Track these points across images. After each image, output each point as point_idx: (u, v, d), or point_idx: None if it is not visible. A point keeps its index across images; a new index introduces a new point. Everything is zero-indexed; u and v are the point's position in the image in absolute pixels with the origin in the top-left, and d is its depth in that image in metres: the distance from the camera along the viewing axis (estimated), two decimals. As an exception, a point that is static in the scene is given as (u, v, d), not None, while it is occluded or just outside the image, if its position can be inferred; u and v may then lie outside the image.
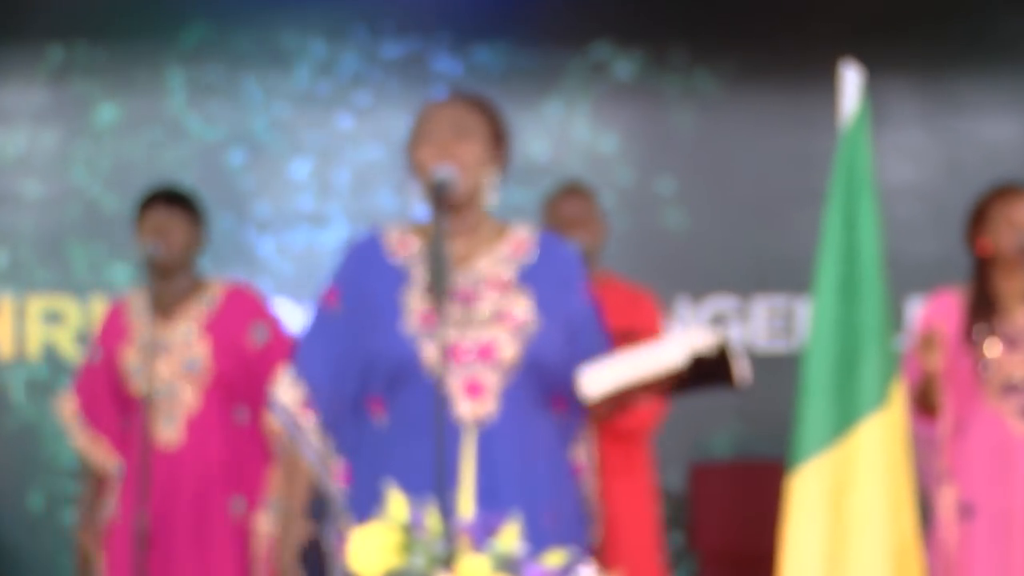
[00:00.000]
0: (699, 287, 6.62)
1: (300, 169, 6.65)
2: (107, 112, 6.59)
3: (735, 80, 6.69)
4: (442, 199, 3.22)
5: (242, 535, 4.76)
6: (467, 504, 2.78)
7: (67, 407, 4.83)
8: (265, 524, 4.72)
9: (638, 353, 3.18)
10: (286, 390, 3.37)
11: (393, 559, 2.69)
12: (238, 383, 4.75)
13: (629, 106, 6.70)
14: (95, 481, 4.84)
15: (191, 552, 4.68)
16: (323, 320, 3.38)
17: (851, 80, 3.45)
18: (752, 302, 6.69)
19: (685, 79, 6.71)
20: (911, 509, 3.40)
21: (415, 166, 3.32)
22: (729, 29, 6.68)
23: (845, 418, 3.40)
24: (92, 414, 4.83)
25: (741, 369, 3.18)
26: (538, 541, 3.02)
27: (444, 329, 3.12)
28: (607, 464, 4.12)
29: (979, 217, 4.76)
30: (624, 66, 6.71)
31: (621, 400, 3.27)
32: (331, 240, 6.61)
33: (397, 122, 6.53)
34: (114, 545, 4.71)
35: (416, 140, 3.34)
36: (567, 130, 6.68)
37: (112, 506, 4.75)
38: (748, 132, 6.70)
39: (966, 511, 4.62)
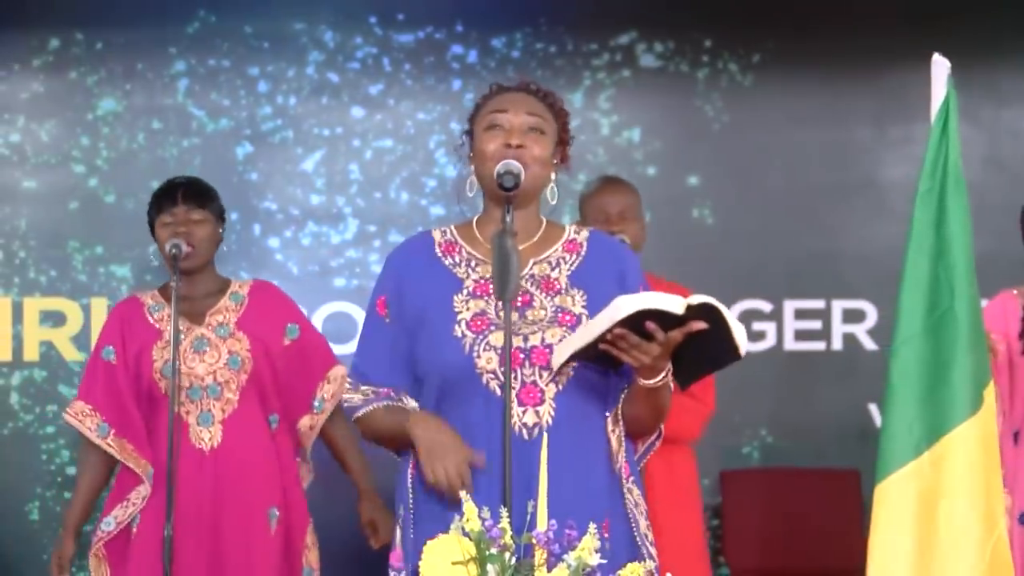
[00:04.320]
0: (726, 287, 6.46)
1: (308, 162, 6.51)
2: (107, 103, 6.45)
3: (765, 69, 6.58)
4: (508, 190, 3.22)
5: (277, 547, 4.77)
6: (543, 515, 2.83)
7: (87, 418, 4.80)
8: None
9: (598, 316, 3.16)
10: (351, 397, 3.37)
11: (467, 571, 2.76)
12: (270, 385, 4.80)
13: (653, 97, 6.58)
14: (94, 492, 4.84)
15: (239, 556, 4.67)
16: (376, 327, 3.37)
17: (940, 70, 3.38)
18: (783, 304, 6.57)
19: (712, 68, 6.58)
20: (1003, 518, 3.36)
21: (480, 155, 3.30)
22: (759, 15, 6.56)
23: (936, 425, 3.32)
24: (117, 418, 4.79)
25: (739, 333, 3.12)
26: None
27: (509, 330, 3.14)
28: (650, 473, 4.12)
29: None
30: (648, 55, 6.58)
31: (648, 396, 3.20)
32: (340, 237, 6.49)
33: (410, 113, 6.48)
34: (140, 550, 4.68)
35: (485, 128, 3.31)
36: (588, 122, 6.57)
37: (129, 513, 4.73)
38: (779, 124, 6.58)
39: (1022, 520, 4.67)
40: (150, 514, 4.69)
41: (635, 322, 3.08)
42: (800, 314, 6.57)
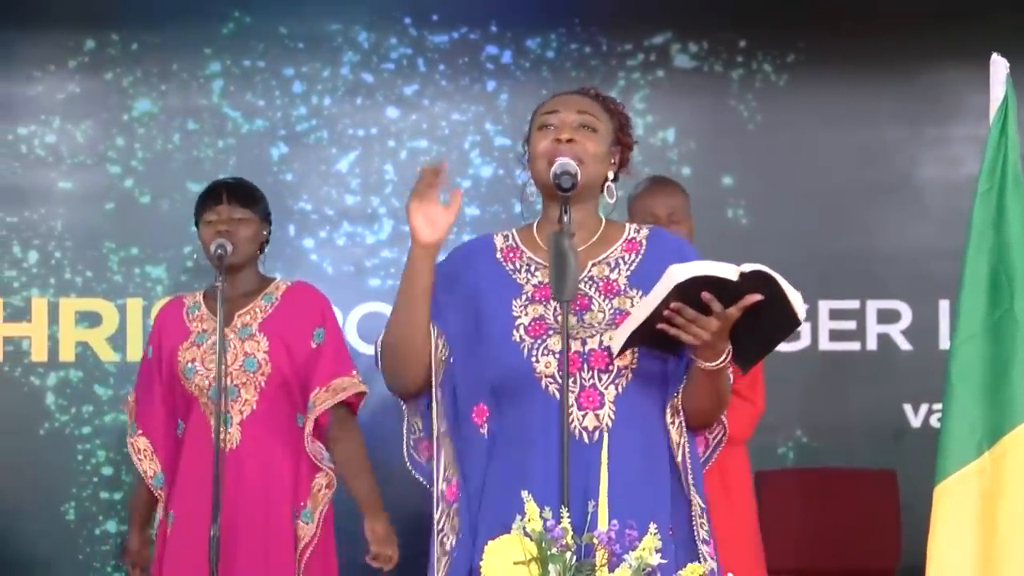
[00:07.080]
0: (761, 287, 6.45)
1: (343, 163, 6.50)
2: (142, 104, 6.45)
3: (799, 69, 6.56)
4: (566, 191, 3.19)
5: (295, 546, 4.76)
6: (604, 516, 2.84)
7: (144, 460, 4.85)
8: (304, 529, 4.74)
9: (653, 290, 3.14)
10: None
11: (528, 571, 2.77)
12: (296, 385, 4.74)
13: (687, 97, 6.57)
14: (149, 493, 4.85)
15: (256, 557, 4.66)
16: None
17: (998, 70, 3.41)
18: (818, 304, 6.54)
19: (746, 68, 6.57)
20: None
21: (532, 155, 3.31)
22: (793, 16, 6.54)
23: (997, 425, 3.31)
24: (144, 416, 4.84)
25: (795, 298, 3.10)
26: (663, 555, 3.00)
27: (567, 331, 3.12)
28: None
29: None
30: (682, 55, 6.57)
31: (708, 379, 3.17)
32: (374, 237, 6.48)
33: (444, 114, 6.48)
34: (171, 550, 4.70)
35: (537, 128, 3.33)
36: (622, 122, 6.49)
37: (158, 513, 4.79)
38: (813, 124, 6.56)
39: None
40: (184, 512, 4.70)
41: (690, 295, 3.05)
42: (835, 314, 6.55)
